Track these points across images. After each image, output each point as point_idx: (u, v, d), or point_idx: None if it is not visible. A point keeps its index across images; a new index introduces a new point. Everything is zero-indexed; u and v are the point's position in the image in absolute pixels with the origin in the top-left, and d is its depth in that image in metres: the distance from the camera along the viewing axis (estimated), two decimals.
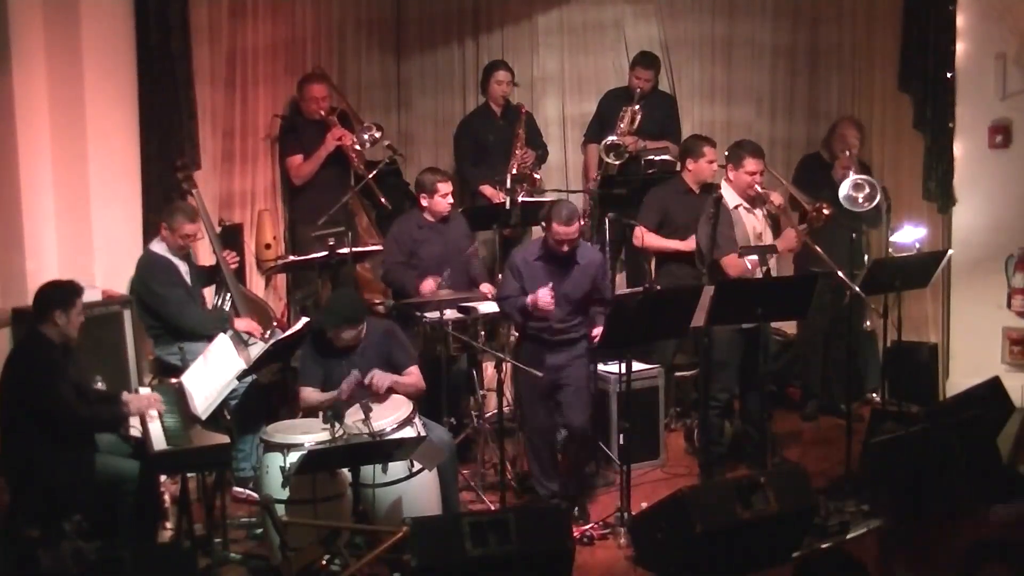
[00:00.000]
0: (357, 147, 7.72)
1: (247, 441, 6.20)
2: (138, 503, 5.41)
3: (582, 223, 6.36)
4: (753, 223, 6.48)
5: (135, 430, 5.55)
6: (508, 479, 6.18)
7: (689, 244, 6.68)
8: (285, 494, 5.31)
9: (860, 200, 6.93)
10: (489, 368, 7.07)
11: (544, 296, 5.85)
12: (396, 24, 8.74)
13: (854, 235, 7.09)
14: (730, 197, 6.44)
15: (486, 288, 6.90)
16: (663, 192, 7.14)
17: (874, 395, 7.58)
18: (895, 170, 7.79)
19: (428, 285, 6.61)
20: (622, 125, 7.92)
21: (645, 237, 7.06)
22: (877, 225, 7.30)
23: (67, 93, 6.36)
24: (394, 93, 8.80)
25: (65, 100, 6.36)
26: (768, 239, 6.49)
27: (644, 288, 6.43)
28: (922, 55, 7.40)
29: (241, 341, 6.21)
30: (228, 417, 5.84)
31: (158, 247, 6.38)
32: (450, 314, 6.53)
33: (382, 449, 5.24)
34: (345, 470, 5.33)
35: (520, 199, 7.52)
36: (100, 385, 5.88)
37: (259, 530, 5.80)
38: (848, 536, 5.71)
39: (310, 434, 5.44)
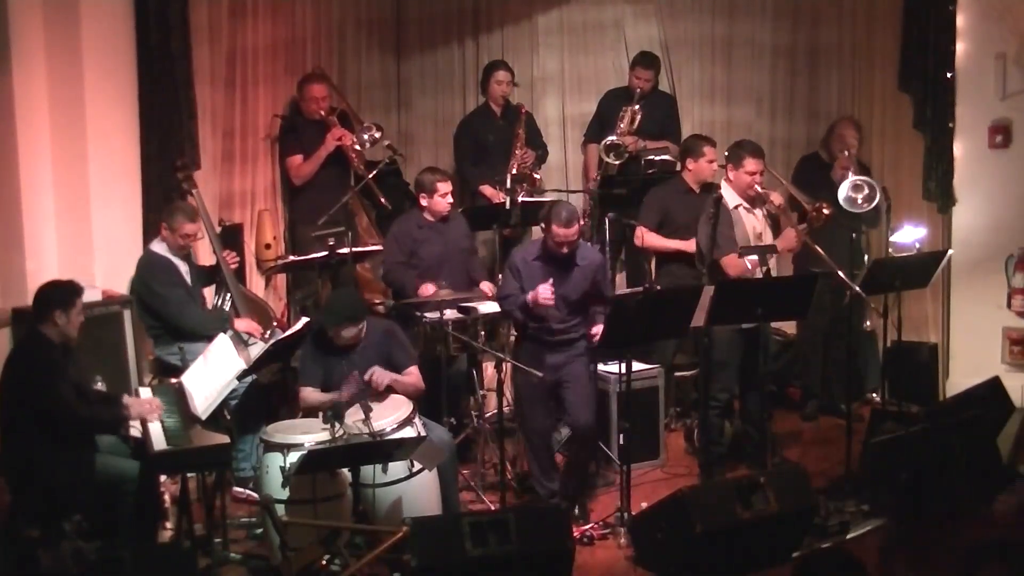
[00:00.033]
0: (357, 147, 7.73)
1: (247, 441, 6.20)
2: (138, 503, 5.41)
3: (582, 223, 6.36)
4: (753, 223, 6.48)
5: (135, 430, 5.55)
6: (508, 479, 6.18)
7: (690, 244, 6.68)
8: (285, 494, 5.31)
9: (859, 201, 6.93)
10: (489, 368, 7.07)
11: (544, 292, 5.85)
12: (396, 24, 8.74)
13: (854, 235, 7.10)
14: (730, 197, 6.44)
15: (486, 286, 6.90)
16: (663, 192, 7.14)
17: (874, 395, 7.58)
18: (895, 170, 7.79)
19: (427, 290, 6.60)
20: (622, 125, 7.92)
21: (646, 237, 7.06)
22: (876, 225, 7.30)
23: (67, 93, 6.36)
24: (394, 93, 8.80)
25: (65, 100, 6.36)
26: (768, 239, 6.49)
27: (644, 288, 6.43)
28: (922, 55, 7.40)
29: (241, 341, 6.21)
30: (228, 417, 5.84)
31: (158, 247, 6.38)
32: (450, 314, 6.53)
33: (382, 449, 5.24)
34: (345, 470, 5.33)
35: (520, 199, 7.53)
36: (100, 385, 5.88)
37: (259, 530, 5.80)
38: (848, 536, 5.71)
39: (310, 434, 5.44)
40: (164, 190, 6.74)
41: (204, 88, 7.06)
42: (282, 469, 5.32)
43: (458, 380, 6.86)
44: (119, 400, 5.63)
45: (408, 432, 5.49)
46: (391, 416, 5.54)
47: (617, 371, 6.26)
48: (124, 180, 6.68)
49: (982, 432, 5.96)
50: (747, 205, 6.48)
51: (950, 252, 7.12)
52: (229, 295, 6.69)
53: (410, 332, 6.43)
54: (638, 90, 8.02)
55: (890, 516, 5.81)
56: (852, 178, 6.96)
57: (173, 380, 5.98)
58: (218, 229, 7.05)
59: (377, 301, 7.29)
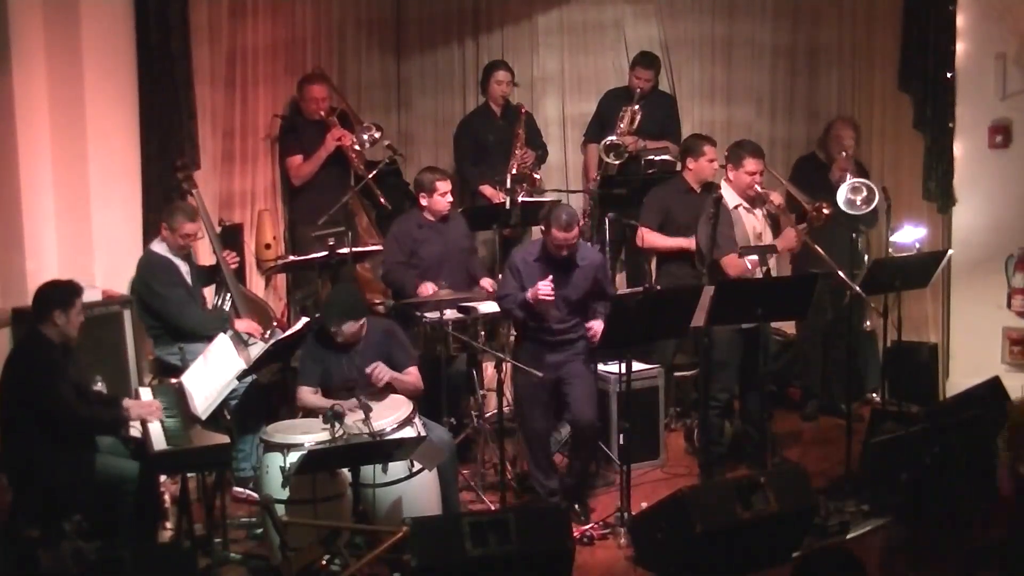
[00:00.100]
0: (357, 147, 7.73)
1: (247, 441, 6.20)
2: (138, 503, 5.41)
3: (581, 224, 6.36)
4: (753, 223, 6.48)
5: (135, 430, 5.55)
6: (508, 479, 6.19)
7: (692, 241, 6.67)
8: (285, 494, 5.31)
9: (858, 203, 6.92)
10: (489, 368, 7.07)
11: (544, 288, 5.85)
12: (396, 24, 8.74)
13: (854, 235, 7.10)
14: (730, 197, 6.44)
15: (486, 283, 6.90)
16: (664, 192, 7.13)
17: (874, 395, 7.58)
18: (895, 170, 7.79)
19: (426, 290, 6.60)
20: (622, 125, 7.93)
21: (647, 237, 7.05)
22: (874, 225, 7.30)
23: (67, 93, 6.36)
24: (394, 93, 8.80)
25: (65, 100, 6.36)
26: (768, 239, 6.49)
27: (644, 288, 6.43)
28: (922, 55, 7.40)
29: (241, 341, 6.20)
30: (228, 417, 5.85)
31: (159, 247, 6.38)
32: (450, 314, 6.53)
33: (382, 449, 5.24)
34: (345, 470, 5.33)
35: (520, 199, 7.53)
36: (100, 385, 5.88)
37: (259, 530, 5.80)
38: (848, 536, 5.71)
39: (310, 434, 5.44)
40: (164, 190, 6.74)
41: (204, 88, 7.06)
42: (282, 469, 5.32)
43: (458, 380, 6.86)
44: (119, 402, 5.63)
45: (408, 432, 5.49)
46: (391, 416, 5.54)
47: (617, 371, 6.26)
48: (124, 180, 6.68)
49: (982, 432, 5.95)
50: (747, 205, 6.48)
51: (950, 252, 7.12)
52: (229, 295, 6.69)
53: (410, 332, 6.43)
54: (638, 90, 8.02)
55: (890, 516, 5.81)
56: (851, 180, 6.96)
57: (173, 380, 5.98)
58: (218, 229, 7.05)
59: (377, 301, 7.29)
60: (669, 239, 6.99)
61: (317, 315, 6.12)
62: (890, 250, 7.01)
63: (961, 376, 7.33)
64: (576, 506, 6.07)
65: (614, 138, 7.87)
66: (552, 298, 5.89)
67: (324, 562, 5.14)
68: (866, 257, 7.33)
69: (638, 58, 8.18)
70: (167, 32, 6.66)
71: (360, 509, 5.26)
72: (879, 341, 7.12)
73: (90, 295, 6.05)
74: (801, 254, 6.78)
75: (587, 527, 5.89)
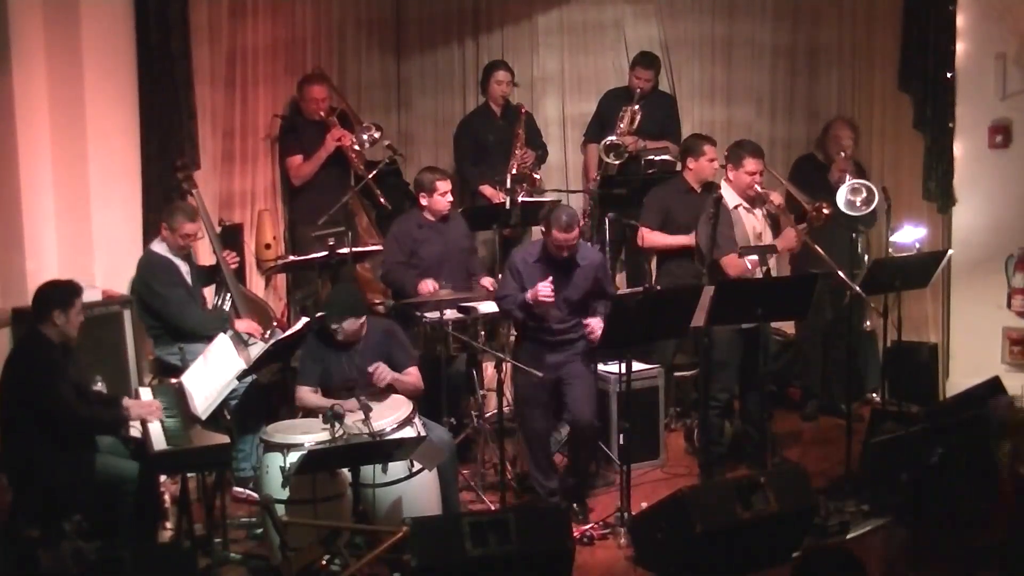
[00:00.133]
0: (356, 147, 7.73)
1: (247, 441, 6.20)
2: (138, 503, 5.41)
3: (581, 225, 6.36)
4: (753, 223, 6.48)
5: (135, 430, 5.54)
6: (508, 479, 6.19)
7: (692, 238, 6.66)
8: (285, 494, 5.31)
9: (858, 204, 6.92)
10: (489, 368, 7.07)
11: (544, 289, 5.85)
12: (396, 24, 8.74)
13: (854, 235, 7.10)
14: (730, 197, 6.44)
15: (487, 281, 6.90)
16: (664, 192, 7.13)
17: (874, 395, 7.58)
18: (895, 170, 7.79)
19: (426, 287, 6.61)
20: (622, 125, 7.93)
21: (648, 236, 7.05)
22: (873, 224, 7.30)
23: (67, 93, 6.36)
24: (394, 93, 8.80)
25: (65, 100, 6.36)
26: (768, 239, 6.49)
27: (644, 288, 6.42)
28: (922, 55, 7.40)
29: (241, 341, 6.21)
30: (228, 417, 5.85)
31: (159, 247, 6.38)
32: (450, 314, 6.53)
33: (382, 449, 5.24)
34: (345, 470, 5.33)
35: (520, 199, 7.53)
36: (100, 385, 5.88)
37: (259, 530, 5.80)
38: (848, 536, 5.71)
39: (310, 434, 5.44)
40: (164, 190, 6.74)
41: (204, 88, 7.06)
42: (282, 469, 5.32)
43: (458, 380, 6.86)
44: (119, 402, 5.63)
45: (408, 432, 5.49)
46: (391, 416, 5.54)
47: (617, 371, 6.26)
48: (124, 180, 6.68)
49: (982, 432, 5.95)
50: (747, 205, 6.48)
51: (950, 252, 7.12)
52: (229, 295, 6.69)
53: (410, 332, 6.43)
54: (638, 90, 8.02)
55: (890, 516, 5.81)
56: (850, 181, 6.96)
57: (173, 380, 5.98)
58: (218, 229, 7.05)
59: (377, 301, 7.29)
60: (670, 237, 6.98)
61: (317, 315, 6.12)
62: (890, 250, 7.01)
63: (961, 376, 7.33)
64: (575, 506, 6.06)
65: (614, 138, 7.87)
66: (552, 299, 5.89)
67: (324, 562, 5.14)
68: (866, 257, 7.33)
69: (638, 58, 8.18)
70: (167, 32, 6.66)
71: (360, 509, 5.26)
72: (879, 341, 7.12)
73: (90, 295, 6.05)
74: (801, 254, 6.77)
75: (587, 527, 5.89)
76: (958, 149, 7.40)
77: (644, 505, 5.83)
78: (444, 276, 6.68)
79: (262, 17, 7.69)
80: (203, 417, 5.54)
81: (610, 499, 6.24)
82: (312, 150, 7.68)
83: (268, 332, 6.51)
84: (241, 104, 7.58)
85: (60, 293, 5.42)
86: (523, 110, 8.09)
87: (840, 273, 6.32)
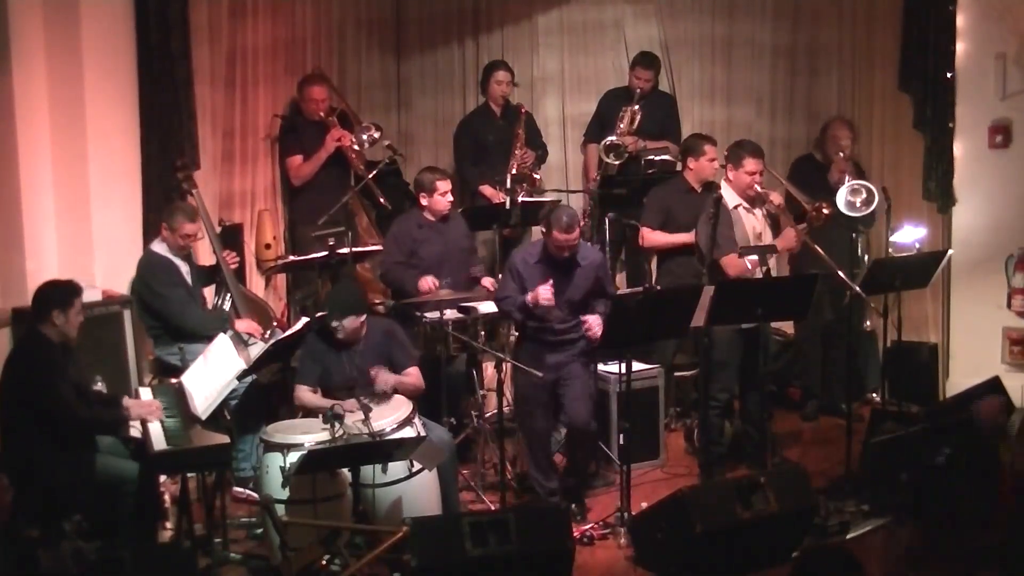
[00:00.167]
0: (356, 148, 7.73)
1: (247, 441, 6.20)
2: (138, 503, 5.42)
3: (582, 225, 6.36)
4: (753, 223, 6.48)
5: (135, 431, 5.55)
6: (508, 479, 6.19)
7: (693, 236, 6.66)
8: (285, 494, 5.31)
9: (858, 204, 6.92)
10: (489, 368, 7.07)
11: (545, 293, 5.85)
12: (396, 24, 8.74)
13: (854, 235, 7.10)
14: (730, 197, 6.44)
15: (488, 282, 6.90)
16: (664, 192, 7.13)
17: (874, 395, 7.58)
18: (895, 170, 7.79)
19: (426, 283, 6.61)
20: (622, 125, 7.93)
21: (649, 236, 7.05)
22: (871, 224, 7.30)
23: (67, 93, 6.36)
24: (394, 93, 8.80)
25: (65, 100, 6.36)
26: (768, 239, 6.49)
27: (644, 288, 6.42)
28: (922, 55, 7.40)
29: (241, 341, 6.20)
30: (228, 417, 5.85)
31: (159, 247, 6.38)
32: (450, 314, 6.53)
33: (382, 449, 5.24)
34: (345, 470, 5.33)
35: (520, 199, 7.53)
36: (100, 385, 5.88)
37: (259, 530, 5.80)
38: (848, 536, 5.71)
39: (310, 434, 5.44)
40: (164, 190, 6.74)
41: (204, 88, 7.06)
42: (282, 469, 5.32)
43: (458, 380, 6.86)
44: (119, 401, 5.63)
45: (408, 432, 5.49)
46: (391, 416, 5.54)
47: (617, 371, 6.26)
48: (124, 180, 6.68)
49: (978, 433, 5.95)
50: (747, 205, 6.48)
51: (950, 252, 7.12)
52: (229, 295, 6.69)
53: (410, 332, 6.43)
54: (638, 90, 8.02)
55: (890, 516, 5.81)
56: (850, 182, 6.96)
57: (173, 380, 5.98)
58: (218, 229, 7.05)
59: (377, 301, 7.29)
60: (671, 235, 6.98)
61: (318, 314, 6.12)
62: (890, 250, 7.01)
63: (961, 376, 7.33)
64: (573, 506, 6.06)
65: (614, 138, 7.87)
66: (552, 303, 5.89)
67: (324, 562, 5.14)
68: (866, 257, 7.33)
69: (638, 58, 8.18)
70: (167, 32, 6.66)
71: (360, 509, 5.26)
72: (879, 341, 7.12)
73: (90, 295, 6.05)
74: (800, 254, 6.78)
75: (587, 527, 5.89)
76: (958, 149, 7.40)
77: (644, 505, 5.83)
78: (444, 276, 6.68)
79: (262, 17, 7.69)
80: (203, 417, 5.54)
81: (610, 499, 6.24)
82: (312, 150, 7.68)
83: (268, 332, 6.51)
84: (241, 104, 7.58)
85: (59, 293, 5.42)
86: (523, 110, 8.09)
87: (840, 273, 6.32)
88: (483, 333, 6.69)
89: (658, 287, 6.81)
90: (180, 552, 5.46)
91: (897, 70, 7.61)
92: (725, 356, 6.39)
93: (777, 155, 8.29)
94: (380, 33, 8.69)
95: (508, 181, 7.68)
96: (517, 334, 6.35)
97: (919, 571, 5.43)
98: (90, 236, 6.48)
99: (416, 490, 5.48)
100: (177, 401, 5.69)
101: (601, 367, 6.56)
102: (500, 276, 6.64)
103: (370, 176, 7.62)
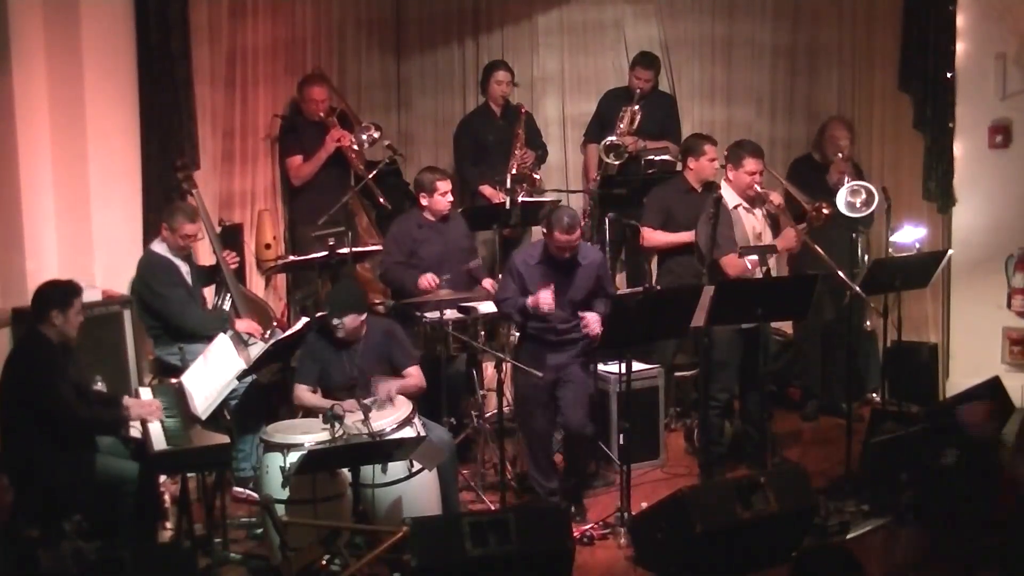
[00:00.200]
0: (356, 148, 7.73)
1: (247, 441, 6.20)
2: (138, 503, 5.41)
3: (582, 225, 6.36)
4: (753, 223, 6.48)
5: (135, 430, 5.55)
6: (508, 479, 6.19)
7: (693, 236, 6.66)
8: (285, 494, 5.31)
9: (858, 205, 6.92)
10: (489, 368, 7.07)
11: (545, 298, 5.85)
12: (396, 24, 8.74)
13: (854, 235, 7.10)
14: (730, 197, 6.44)
15: (488, 282, 6.90)
16: (665, 192, 7.13)
17: (874, 395, 7.58)
18: (895, 170, 7.79)
19: (426, 280, 6.60)
20: (622, 125, 7.93)
21: (649, 236, 7.05)
22: (871, 224, 7.30)
23: (67, 93, 6.36)
24: (394, 93, 8.80)
25: (65, 100, 6.36)
26: (768, 239, 6.49)
27: (644, 288, 6.42)
28: (922, 55, 7.40)
29: (241, 341, 6.21)
30: (228, 417, 5.85)
31: (159, 247, 6.38)
32: (450, 314, 6.53)
33: (382, 449, 5.24)
34: (345, 470, 5.33)
35: (520, 199, 7.53)
36: (100, 385, 5.88)
37: (259, 530, 5.80)
38: (848, 536, 5.71)
39: (310, 434, 5.44)
40: (164, 190, 6.74)
41: (204, 88, 7.06)
42: (282, 469, 5.32)
43: (458, 380, 6.86)
44: (119, 401, 5.63)
45: (408, 432, 5.49)
46: (391, 416, 5.54)
47: (617, 371, 6.26)
48: (124, 180, 6.68)
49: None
50: (747, 205, 6.48)
51: (950, 252, 7.12)
52: (229, 295, 6.69)
53: (410, 332, 6.43)
54: (638, 90, 8.02)
55: (890, 516, 5.81)
56: (850, 183, 6.95)
57: (173, 380, 5.98)
58: (218, 229, 7.05)
59: (377, 301, 7.29)
60: (671, 235, 6.98)
61: (318, 314, 6.12)
62: (890, 250, 7.01)
63: (961, 376, 7.34)
64: (572, 506, 6.06)
65: (614, 138, 7.87)
66: (553, 308, 5.89)
67: (324, 562, 5.14)
68: (866, 257, 7.33)
69: (638, 58, 8.18)
70: (167, 32, 6.66)
71: (360, 509, 5.26)
72: (879, 341, 7.12)
73: (90, 295, 6.05)
74: (800, 254, 6.78)
75: (587, 527, 5.89)
76: (958, 149, 7.40)
77: (644, 505, 5.83)
78: (444, 276, 6.67)
79: (262, 17, 7.69)
80: (203, 417, 5.54)
81: (610, 499, 6.24)
82: (312, 150, 7.68)
83: (268, 332, 6.51)
84: (241, 104, 7.58)
85: (59, 293, 5.42)
86: (523, 110, 8.09)
87: (840, 273, 6.32)
88: (483, 333, 6.69)
89: (658, 287, 6.81)
90: (180, 552, 5.46)
91: (897, 70, 7.61)
92: (725, 356, 6.39)
93: (777, 155, 8.29)
94: (380, 33, 8.69)
95: (508, 181, 7.68)
96: (519, 334, 6.35)
97: (919, 571, 5.43)
98: (90, 236, 6.48)
99: (416, 490, 5.48)
100: (177, 401, 5.69)
101: (601, 367, 6.56)
102: (500, 277, 6.64)
103: (370, 176, 7.63)
